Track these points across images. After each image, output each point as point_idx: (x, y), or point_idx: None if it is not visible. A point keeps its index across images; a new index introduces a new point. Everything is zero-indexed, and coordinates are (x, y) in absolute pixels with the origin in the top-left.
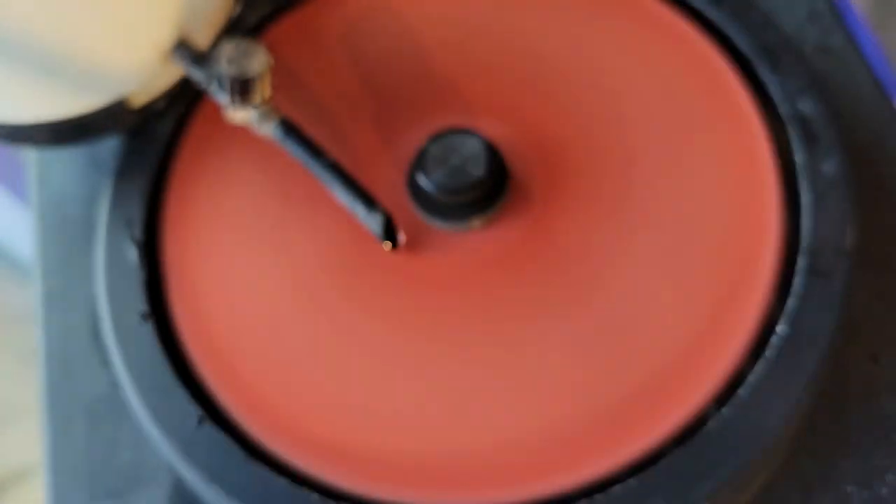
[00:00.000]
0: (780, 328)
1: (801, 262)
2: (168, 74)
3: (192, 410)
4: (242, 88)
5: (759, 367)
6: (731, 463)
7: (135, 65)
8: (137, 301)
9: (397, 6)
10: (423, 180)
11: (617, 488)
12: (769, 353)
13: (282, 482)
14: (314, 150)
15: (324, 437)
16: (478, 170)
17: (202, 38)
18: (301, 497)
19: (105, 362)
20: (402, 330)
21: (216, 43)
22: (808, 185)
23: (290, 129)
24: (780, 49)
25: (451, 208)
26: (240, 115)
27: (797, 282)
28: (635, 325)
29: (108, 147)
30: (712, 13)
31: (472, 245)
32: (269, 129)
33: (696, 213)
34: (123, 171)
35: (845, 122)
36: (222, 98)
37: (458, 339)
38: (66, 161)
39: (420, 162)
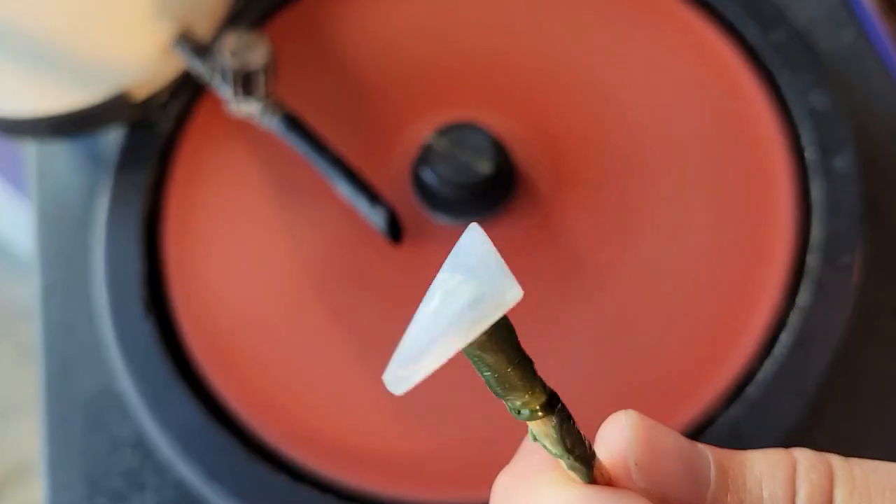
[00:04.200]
0: (791, 325)
1: (813, 259)
2: (169, 67)
3: (193, 407)
4: (245, 81)
5: (769, 365)
6: None
7: (135, 58)
8: (138, 295)
9: None
10: (429, 175)
11: None
12: (779, 351)
13: (282, 479)
14: (317, 144)
15: (324, 434)
16: (485, 165)
17: (204, 31)
18: (301, 494)
19: (104, 358)
20: (404, 326)
21: (218, 35)
22: (820, 180)
23: (293, 123)
24: (793, 44)
25: (456, 203)
26: (242, 108)
27: (808, 278)
28: (644, 322)
29: (108, 140)
30: (724, 8)
31: None
32: (271, 123)
33: (708, 209)
34: (124, 165)
35: (857, 116)
36: (225, 91)
37: None
38: (66, 154)
39: (425, 156)
